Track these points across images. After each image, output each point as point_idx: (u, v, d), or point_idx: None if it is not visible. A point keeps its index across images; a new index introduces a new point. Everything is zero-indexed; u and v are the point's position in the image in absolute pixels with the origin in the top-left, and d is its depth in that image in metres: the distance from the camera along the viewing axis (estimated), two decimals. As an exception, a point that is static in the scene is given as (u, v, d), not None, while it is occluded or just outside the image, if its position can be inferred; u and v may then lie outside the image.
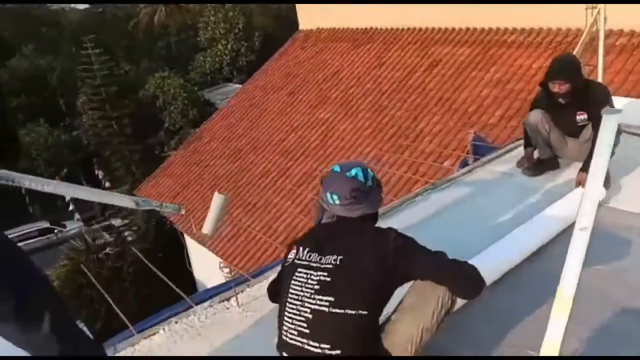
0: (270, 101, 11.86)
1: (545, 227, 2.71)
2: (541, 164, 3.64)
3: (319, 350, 1.67)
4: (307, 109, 10.76)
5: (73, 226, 18.95)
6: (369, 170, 1.92)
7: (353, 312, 1.67)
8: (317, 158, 9.33)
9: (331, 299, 1.69)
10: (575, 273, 1.42)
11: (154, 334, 2.38)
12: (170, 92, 18.25)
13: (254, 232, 8.74)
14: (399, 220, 3.29)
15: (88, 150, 17.30)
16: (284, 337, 1.76)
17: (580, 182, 3.17)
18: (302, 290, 1.75)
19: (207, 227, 2.33)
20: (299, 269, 1.80)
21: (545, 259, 2.58)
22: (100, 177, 18.00)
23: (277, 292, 1.93)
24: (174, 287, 2.91)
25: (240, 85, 14.56)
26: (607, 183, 3.27)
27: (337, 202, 1.86)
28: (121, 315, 2.58)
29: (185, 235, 10.32)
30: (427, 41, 10.03)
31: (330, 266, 1.75)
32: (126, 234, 13.67)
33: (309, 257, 1.81)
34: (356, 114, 9.72)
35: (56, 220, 19.63)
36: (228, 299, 2.56)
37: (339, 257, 1.76)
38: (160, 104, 18.29)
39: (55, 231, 19.19)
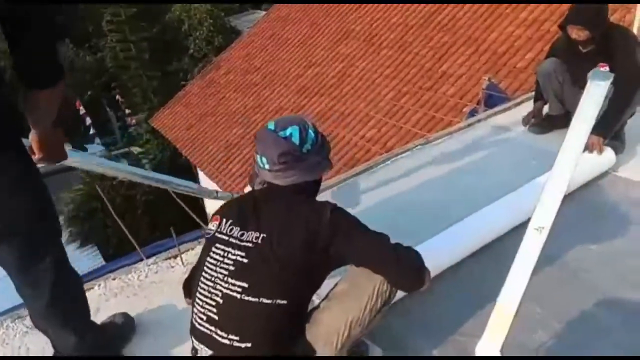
0: (290, 32, 11.28)
1: (535, 198, 2.36)
2: (550, 120, 3.23)
3: (226, 341, 1.43)
4: (328, 43, 10.19)
5: (93, 150, 19.10)
6: (309, 129, 1.58)
7: (269, 301, 1.42)
8: (333, 97, 8.90)
9: (245, 284, 1.44)
10: (520, 286, 1.12)
11: (90, 288, 2.21)
12: (197, 17, 17.62)
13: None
14: (379, 178, 2.99)
15: (110, 73, 17.06)
16: (194, 320, 1.54)
17: (589, 146, 2.78)
18: (216, 271, 1.50)
19: None
20: (217, 244, 1.54)
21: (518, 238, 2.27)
22: (119, 102, 17.90)
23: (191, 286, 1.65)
24: (130, 237, 2.75)
25: (267, 13, 13.89)
26: (620, 147, 2.89)
27: (266, 166, 1.57)
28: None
29: (198, 169, 10.23)
30: (466, -28, 9.17)
31: (250, 245, 1.48)
32: (144, 161, 13.65)
33: (230, 230, 1.54)
34: (378, 50, 9.13)
35: (79, 142, 19.76)
36: (175, 257, 2.37)
37: (261, 235, 1.49)
38: (186, 29, 17.71)
39: None
